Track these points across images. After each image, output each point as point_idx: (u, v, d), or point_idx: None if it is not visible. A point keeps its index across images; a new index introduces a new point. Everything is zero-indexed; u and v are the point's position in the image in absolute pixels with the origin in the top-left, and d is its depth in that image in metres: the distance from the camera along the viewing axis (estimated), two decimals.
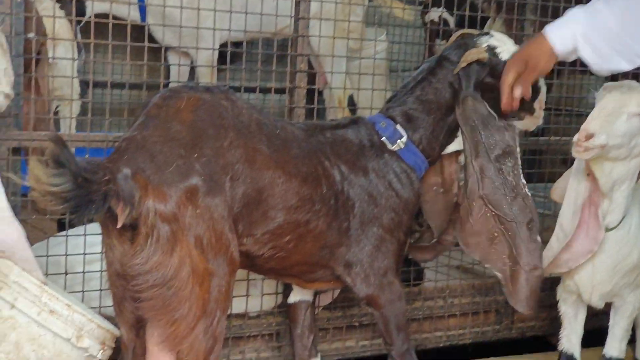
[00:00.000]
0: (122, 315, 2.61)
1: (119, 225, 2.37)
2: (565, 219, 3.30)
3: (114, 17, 3.31)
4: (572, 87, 5.23)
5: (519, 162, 3.12)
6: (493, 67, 3.07)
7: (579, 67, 4.12)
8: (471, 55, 3.06)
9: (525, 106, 3.10)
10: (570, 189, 3.28)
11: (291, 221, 2.77)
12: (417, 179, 3.06)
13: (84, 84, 4.62)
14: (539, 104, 3.18)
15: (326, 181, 2.86)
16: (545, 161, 4.38)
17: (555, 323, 4.17)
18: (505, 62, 3.02)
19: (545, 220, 4.31)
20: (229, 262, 2.55)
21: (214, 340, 2.55)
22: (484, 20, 4.94)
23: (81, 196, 2.27)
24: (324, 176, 2.86)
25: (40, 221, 4.00)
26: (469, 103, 3.05)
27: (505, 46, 3.10)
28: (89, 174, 2.28)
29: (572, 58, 2.96)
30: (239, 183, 2.60)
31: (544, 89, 3.19)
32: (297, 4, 3.48)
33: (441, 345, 3.97)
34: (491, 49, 3.08)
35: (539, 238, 3.12)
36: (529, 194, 3.13)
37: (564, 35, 2.86)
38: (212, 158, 2.52)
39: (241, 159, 2.60)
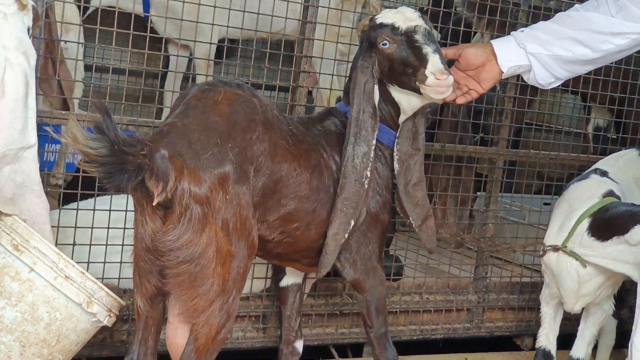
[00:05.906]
0: (142, 287, 2.77)
1: (155, 203, 2.55)
2: None
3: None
4: (550, 105, 5.49)
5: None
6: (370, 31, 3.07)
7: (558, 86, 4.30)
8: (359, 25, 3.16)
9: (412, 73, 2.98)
10: None
11: (301, 209, 2.99)
12: (391, 154, 3.22)
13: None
14: (435, 73, 2.91)
15: (327, 172, 3.08)
16: (521, 172, 4.61)
17: (520, 325, 4.42)
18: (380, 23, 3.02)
19: (518, 228, 4.59)
20: (249, 246, 2.76)
21: (228, 316, 2.74)
22: (472, 34, 5.09)
23: (115, 163, 2.44)
24: (325, 167, 3.08)
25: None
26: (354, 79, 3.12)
27: (388, 14, 3.05)
28: (126, 145, 2.45)
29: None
30: (260, 174, 2.81)
31: (433, 58, 2.94)
32: (306, 9, 3.67)
33: (415, 338, 4.20)
34: (372, 20, 3.08)
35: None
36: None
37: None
38: (242, 149, 2.72)
39: (265, 152, 2.82)
